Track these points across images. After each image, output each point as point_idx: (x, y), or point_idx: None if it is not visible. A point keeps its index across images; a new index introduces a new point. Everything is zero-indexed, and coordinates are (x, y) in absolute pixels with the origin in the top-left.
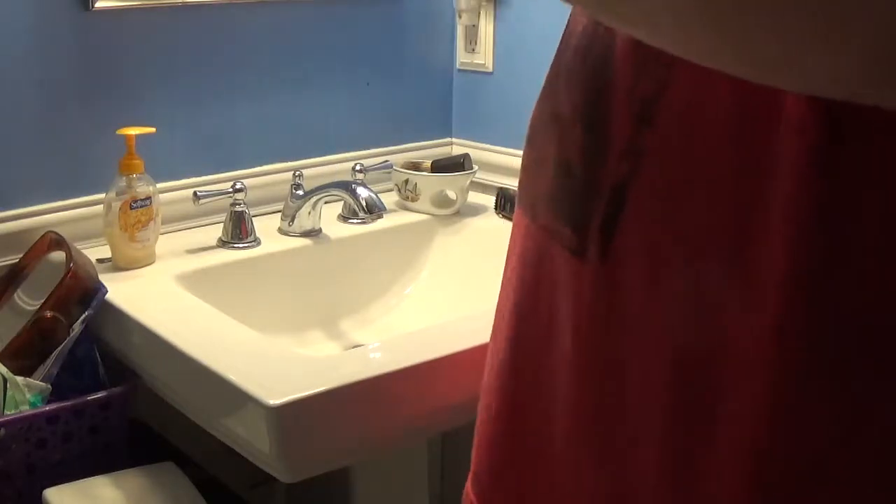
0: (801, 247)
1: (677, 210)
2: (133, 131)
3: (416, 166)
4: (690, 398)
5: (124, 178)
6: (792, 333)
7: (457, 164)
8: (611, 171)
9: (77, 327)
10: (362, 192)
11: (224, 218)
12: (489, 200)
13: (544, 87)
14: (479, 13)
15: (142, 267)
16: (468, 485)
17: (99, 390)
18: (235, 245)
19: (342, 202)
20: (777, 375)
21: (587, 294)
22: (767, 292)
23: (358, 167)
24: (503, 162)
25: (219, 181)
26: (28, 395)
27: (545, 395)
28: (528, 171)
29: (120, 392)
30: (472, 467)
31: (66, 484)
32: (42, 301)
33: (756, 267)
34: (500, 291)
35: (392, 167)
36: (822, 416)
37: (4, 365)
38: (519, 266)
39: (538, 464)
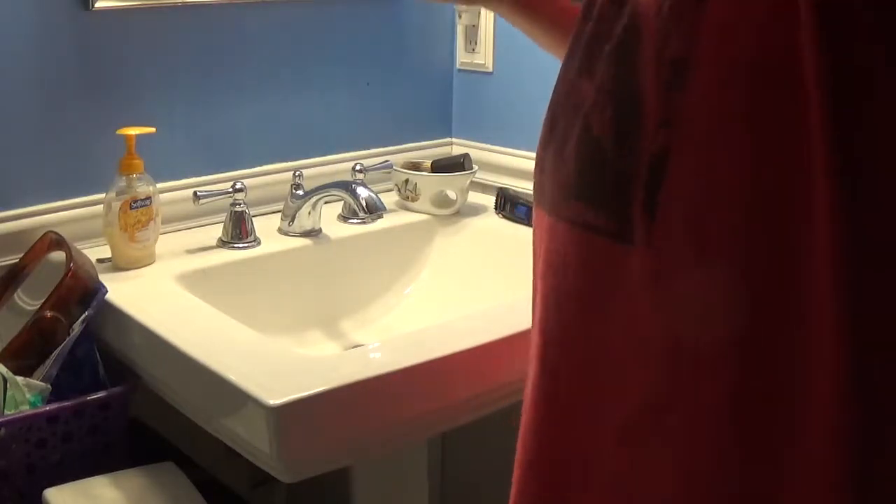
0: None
1: (720, 177)
2: (133, 131)
3: (416, 166)
4: (759, 378)
5: (124, 178)
6: (845, 301)
7: (457, 164)
8: (647, 144)
9: (77, 327)
10: (362, 192)
11: (224, 218)
12: (489, 200)
13: (557, 86)
14: (479, 13)
15: (142, 267)
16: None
17: (99, 390)
18: (235, 245)
19: (342, 202)
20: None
21: (636, 279)
22: (816, 260)
23: (358, 167)
24: (503, 162)
25: (219, 181)
26: (28, 395)
27: (596, 392)
28: (546, 168)
29: (120, 392)
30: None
31: (66, 484)
32: (42, 301)
33: (803, 234)
34: (532, 305)
35: (392, 167)
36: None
37: (4, 365)
38: (548, 272)
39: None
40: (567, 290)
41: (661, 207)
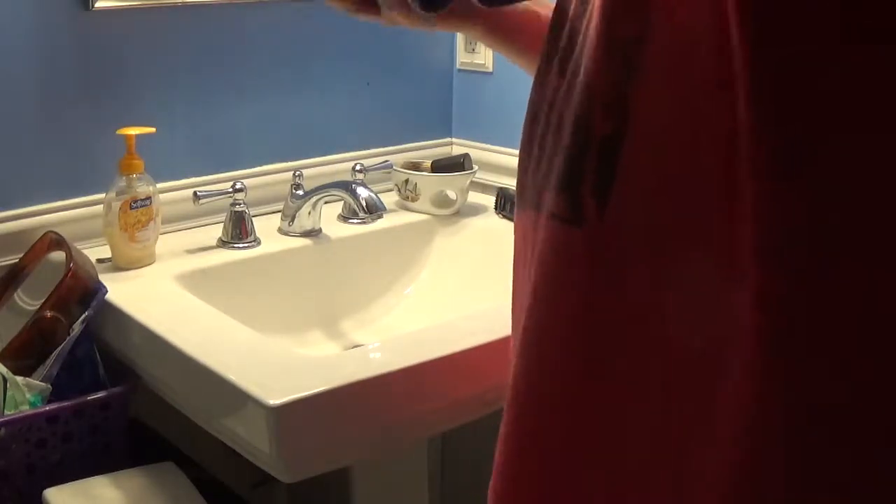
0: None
1: (670, 162)
2: (133, 131)
3: (416, 166)
4: (696, 364)
5: (124, 178)
6: (773, 298)
7: (457, 164)
8: (598, 125)
9: (77, 327)
10: (362, 192)
11: (224, 218)
12: (489, 200)
13: (533, 85)
14: None
15: (142, 267)
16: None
17: (99, 390)
18: (235, 245)
19: (342, 202)
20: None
21: (587, 260)
22: (744, 253)
23: (358, 167)
24: (503, 162)
25: (219, 181)
26: (28, 395)
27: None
28: (527, 167)
29: (120, 392)
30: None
31: (66, 484)
32: (42, 301)
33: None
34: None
35: (392, 167)
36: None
37: (4, 365)
38: (532, 274)
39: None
40: (546, 280)
41: (612, 191)
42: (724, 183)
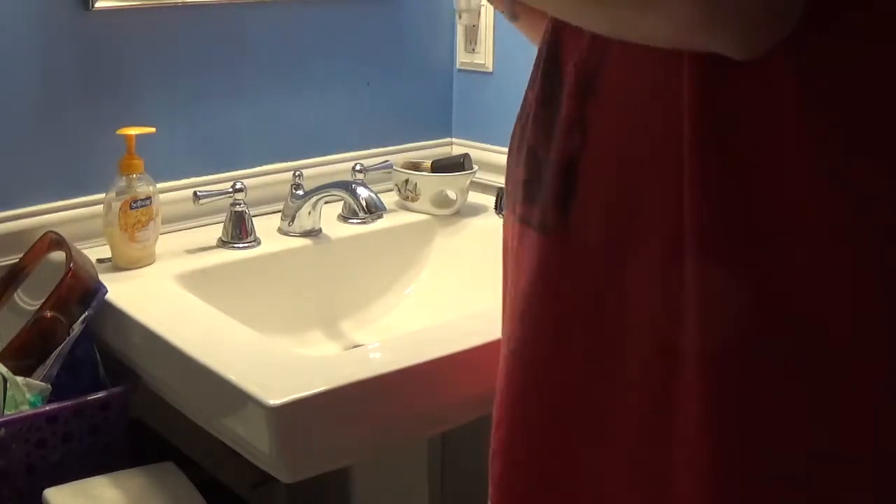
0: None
1: (625, 176)
2: (133, 131)
3: (416, 166)
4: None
5: (124, 178)
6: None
7: (457, 164)
8: (563, 144)
9: (77, 327)
10: (362, 192)
11: (224, 218)
12: (489, 200)
13: (524, 98)
14: (480, 13)
15: (142, 267)
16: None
17: (99, 390)
18: (235, 245)
19: (342, 202)
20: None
21: (553, 267)
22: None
23: (358, 167)
24: (503, 162)
25: (219, 181)
26: (28, 395)
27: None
28: (508, 177)
29: (120, 392)
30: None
31: (66, 484)
32: (42, 301)
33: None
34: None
35: (392, 167)
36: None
37: (4, 365)
38: (508, 269)
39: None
40: (523, 284)
41: (575, 202)
42: (671, 189)
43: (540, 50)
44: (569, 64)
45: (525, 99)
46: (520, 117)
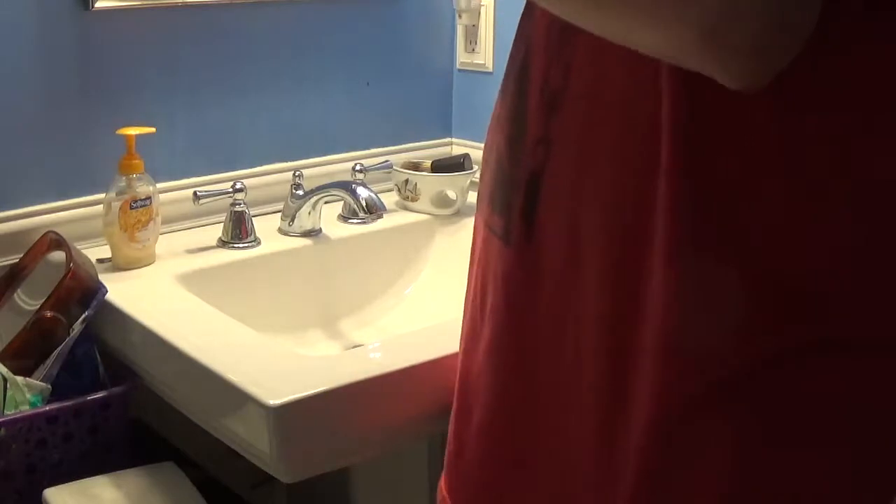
0: (680, 210)
1: (586, 191)
2: (133, 131)
3: (416, 166)
4: (616, 359)
5: (124, 178)
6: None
7: (457, 164)
8: (527, 159)
9: (77, 327)
10: (362, 192)
11: (224, 218)
12: None
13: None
14: (480, 13)
15: (142, 267)
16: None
17: (99, 390)
18: (235, 245)
19: (342, 202)
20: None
21: (513, 277)
22: (657, 260)
23: (358, 167)
24: None
25: (219, 181)
26: (28, 395)
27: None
28: (481, 176)
29: (120, 392)
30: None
31: (66, 484)
32: (42, 301)
33: (652, 237)
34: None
35: (392, 167)
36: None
37: (4, 365)
38: (471, 265)
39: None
40: (474, 281)
41: (537, 215)
42: (638, 205)
43: (512, 61)
44: (536, 80)
45: (495, 108)
46: (491, 124)
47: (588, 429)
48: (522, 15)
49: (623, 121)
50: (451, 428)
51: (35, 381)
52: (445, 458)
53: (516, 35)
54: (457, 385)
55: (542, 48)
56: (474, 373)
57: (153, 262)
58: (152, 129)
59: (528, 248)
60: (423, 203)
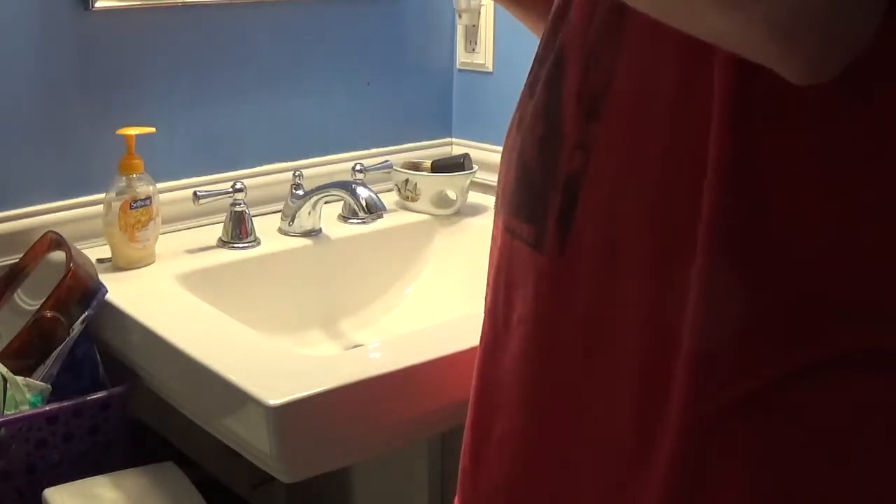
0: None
1: (628, 195)
2: (133, 131)
3: (416, 166)
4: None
5: (124, 178)
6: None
7: (457, 164)
8: (564, 165)
9: (77, 327)
10: (362, 192)
11: (224, 218)
12: (489, 200)
13: (520, 98)
14: (480, 13)
15: (142, 267)
16: None
17: (99, 390)
18: (235, 245)
19: (342, 202)
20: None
21: (546, 286)
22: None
23: (358, 167)
24: None
25: (219, 181)
26: (28, 395)
27: (500, 392)
28: (500, 177)
29: (120, 392)
30: None
31: (66, 484)
32: (42, 301)
33: (695, 238)
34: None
35: (392, 167)
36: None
37: (4, 365)
38: (490, 270)
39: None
40: (495, 289)
41: (574, 222)
42: (680, 220)
43: (541, 63)
44: (571, 84)
45: (517, 110)
46: (514, 120)
47: (625, 442)
48: (554, 16)
49: (672, 120)
50: (466, 442)
51: (35, 381)
52: (459, 476)
53: (545, 37)
54: (473, 396)
55: (577, 51)
56: (496, 384)
57: (153, 262)
58: (152, 129)
59: (562, 255)
60: (423, 203)
